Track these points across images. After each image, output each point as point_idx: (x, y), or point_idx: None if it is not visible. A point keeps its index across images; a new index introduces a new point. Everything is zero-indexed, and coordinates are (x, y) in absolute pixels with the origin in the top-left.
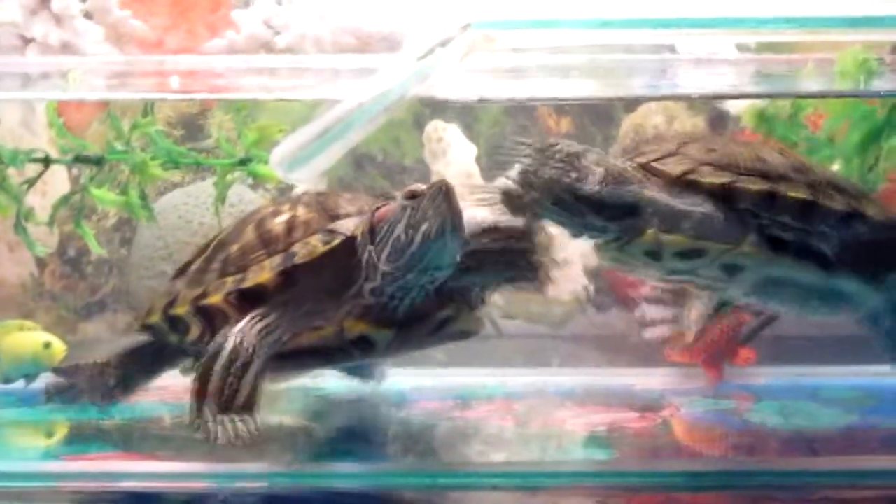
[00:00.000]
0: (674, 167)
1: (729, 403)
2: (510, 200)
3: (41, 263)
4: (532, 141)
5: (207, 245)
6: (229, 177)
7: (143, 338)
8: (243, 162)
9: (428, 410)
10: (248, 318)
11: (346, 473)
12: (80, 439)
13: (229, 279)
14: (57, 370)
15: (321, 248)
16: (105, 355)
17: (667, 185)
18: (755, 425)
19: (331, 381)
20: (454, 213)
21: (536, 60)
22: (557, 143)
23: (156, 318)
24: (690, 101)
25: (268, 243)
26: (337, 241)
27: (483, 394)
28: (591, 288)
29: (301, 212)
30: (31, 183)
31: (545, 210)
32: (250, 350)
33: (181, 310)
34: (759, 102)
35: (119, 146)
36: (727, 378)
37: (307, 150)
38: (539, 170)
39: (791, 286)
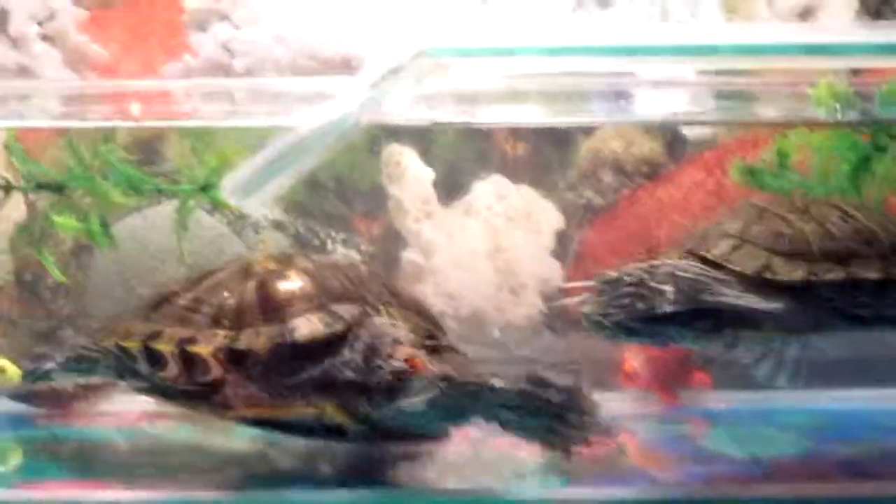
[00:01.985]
0: (746, 262)
1: (684, 428)
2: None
3: None
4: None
5: (199, 280)
6: (191, 202)
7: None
8: (205, 188)
9: None
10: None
11: (295, 500)
12: (34, 465)
13: (221, 333)
14: (13, 396)
15: (323, 331)
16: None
17: (740, 280)
18: (710, 451)
19: None
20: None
21: (492, 86)
22: (623, 276)
23: (133, 345)
24: (647, 126)
25: (266, 308)
26: (339, 328)
27: None
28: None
29: (304, 283)
30: None
31: (619, 338)
32: None
33: (165, 347)
34: (740, 160)
35: (78, 172)
36: (683, 403)
37: (258, 177)
38: (608, 313)
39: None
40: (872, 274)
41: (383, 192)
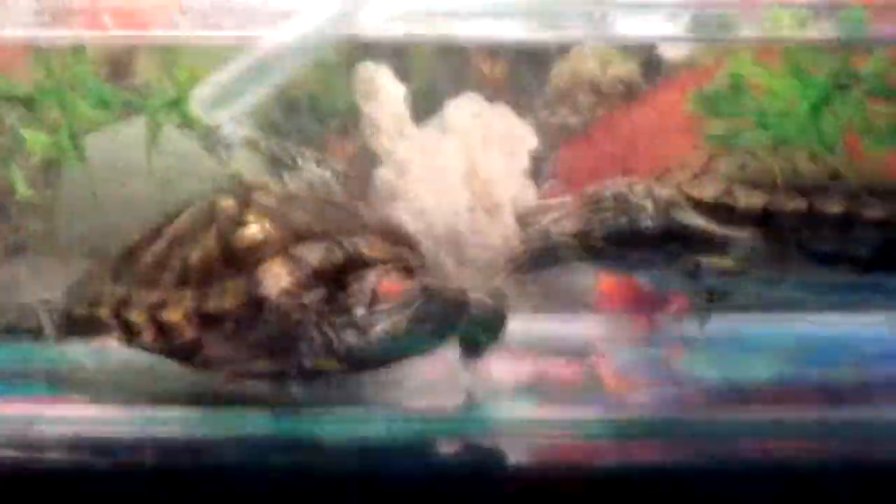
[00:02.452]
0: (706, 188)
1: (658, 352)
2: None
3: None
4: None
5: (158, 231)
6: (161, 117)
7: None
8: (175, 103)
9: None
10: None
11: (267, 422)
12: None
13: (188, 294)
14: None
15: (288, 281)
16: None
17: (708, 211)
18: (684, 375)
19: None
20: (455, 328)
21: (468, 2)
22: (605, 191)
23: (104, 313)
24: (624, 46)
25: (231, 260)
26: (307, 273)
27: None
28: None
29: (267, 228)
30: None
31: (588, 261)
32: None
33: (137, 317)
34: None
35: (47, 86)
36: (657, 326)
37: (229, 90)
38: (593, 228)
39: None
40: (835, 208)
41: (358, 111)
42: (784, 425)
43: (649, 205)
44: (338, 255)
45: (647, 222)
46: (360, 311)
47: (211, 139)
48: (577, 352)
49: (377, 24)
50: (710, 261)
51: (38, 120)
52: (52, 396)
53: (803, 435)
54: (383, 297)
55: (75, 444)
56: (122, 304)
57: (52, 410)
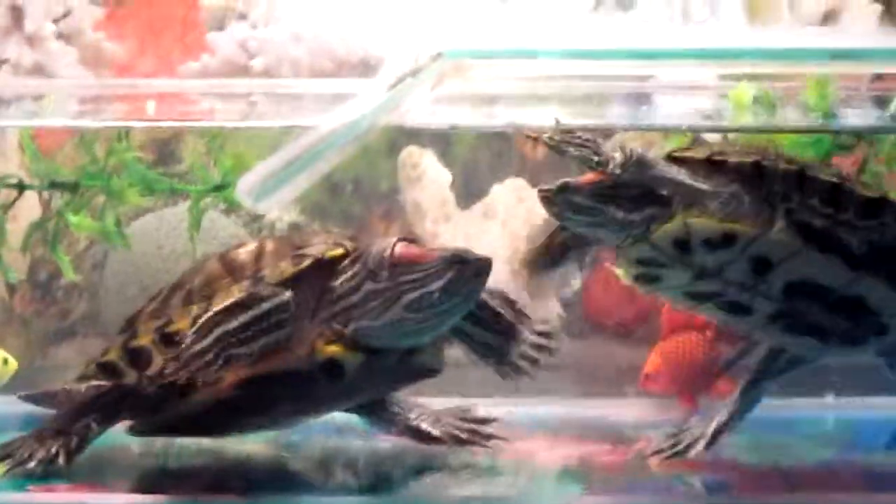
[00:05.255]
0: (699, 152)
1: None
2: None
3: (11, 288)
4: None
5: (158, 292)
6: (203, 203)
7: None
8: (218, 188)
9: (396, 441)
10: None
11: None
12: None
13: (194, 308)
14: (25, 397)
15: (291, 270)
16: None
17: (692, 168)
18: (729, 459)
19: None
20: (481, 291)
21: (510, 88)
22: (578, 131)
23: (113, 355)
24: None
25: (233, 271)
26: (307, 263)
27: None
28: (565, 316)
29: (267, 243)
30: (6, 208)
31: (567, 216)
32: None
33: (144, 340)
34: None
35: (92, 171)
36: (702, 409)
37: (275, 179)
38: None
39: (816, 301)
40: (827, 176)
41: (401, 195)
42: None
43: (618, 155)
44: (339, 247)
45: (616, 170)
46: (384, 278)
47: (255, 224)
48: (623, 437)
49: (422, 110)
50: (697, 221)
51: (83, 204)
52: (95, 483)
53: None
54: (402, 264)
55: None
56: (129, 339)
57: (95, 498)
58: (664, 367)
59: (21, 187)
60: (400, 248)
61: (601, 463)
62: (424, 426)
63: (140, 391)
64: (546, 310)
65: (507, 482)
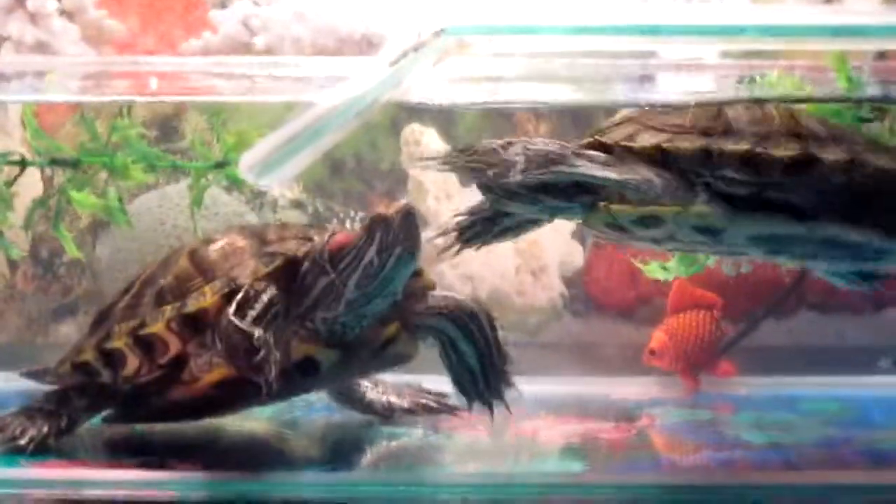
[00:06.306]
0: (611, 136)
1: (705, 414)
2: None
3: (13, 265)
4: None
5: (130, 286)
6: (204, 180)
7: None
8: (220, 165)
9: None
10: None
11: (313, 483)
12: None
13: (168, 307)
14: (26, 374)
15: (263, 270)
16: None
17: (614, 154)
18: (731, 438)
19: None
20: (419, 236)
21: (513, 65)
22: (472, 146)
23: (88, 356)
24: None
25: (204, 270)
26: (278, 263)
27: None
28: (568, 295)
29: (235, 239)
30: (8, 185)
31: (504, 203)
32: None
33: (118, 343)
34: None
35: (94, 149)
36: (704, 388)
37: (277, 155)
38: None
39: (795, 241)
40: (734, 147)
41: (403, 172)
42: (831, 489)
43: (520, 160)
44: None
45: (515, 177)
46: (330, 271)
47: (257, 200)
48: (625, 415)
49: (424, 87)
50: (616, 208)
51: (85, 181)
52: (95, 459)
53: (850, 499)
54: (338, 252)
55: None
56: (104, 339)
57: (101, 474)
58: (670, 344)
59: (23, 164)
60: (334, 239)
61: (603, 441)
62: (394, 399)
63: (116, 388)
64: (549, 289)
65: (510, 460)
